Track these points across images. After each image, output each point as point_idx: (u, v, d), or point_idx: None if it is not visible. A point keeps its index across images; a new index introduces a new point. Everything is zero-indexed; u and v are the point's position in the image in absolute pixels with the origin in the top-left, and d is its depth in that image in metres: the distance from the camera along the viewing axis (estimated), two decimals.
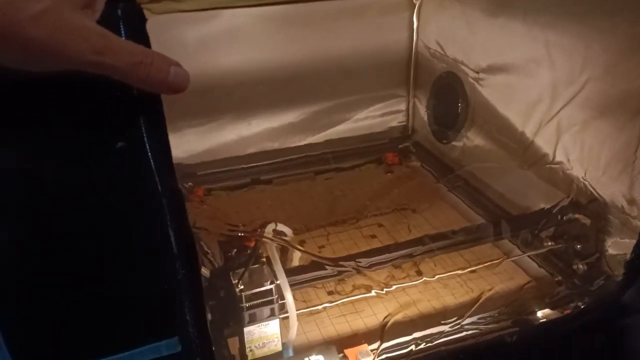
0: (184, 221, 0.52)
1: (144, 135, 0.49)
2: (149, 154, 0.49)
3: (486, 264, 1.04)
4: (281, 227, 0.90)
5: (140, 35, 0.45)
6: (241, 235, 0.82)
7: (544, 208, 1.04)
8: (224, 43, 1.30)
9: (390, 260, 0.90)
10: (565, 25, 0.99)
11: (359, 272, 0.88)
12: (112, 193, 0.49)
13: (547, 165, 1.08)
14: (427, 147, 1.48)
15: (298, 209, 1.30)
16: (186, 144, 1.35)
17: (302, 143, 1.46)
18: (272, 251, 0.83)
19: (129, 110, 0.47)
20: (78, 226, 0.50)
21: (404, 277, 1.05)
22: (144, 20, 0.46)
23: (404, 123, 1.55)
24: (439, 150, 1.44)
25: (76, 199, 0.49)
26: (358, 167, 1.48)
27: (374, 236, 1.20)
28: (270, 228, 0.87)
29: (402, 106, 1.52)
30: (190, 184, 1.30)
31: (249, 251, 0.82)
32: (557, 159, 1.06)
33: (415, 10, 1.41)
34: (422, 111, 1.48)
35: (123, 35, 0.45)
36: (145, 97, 0.47)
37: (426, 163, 1.45)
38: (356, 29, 1.41)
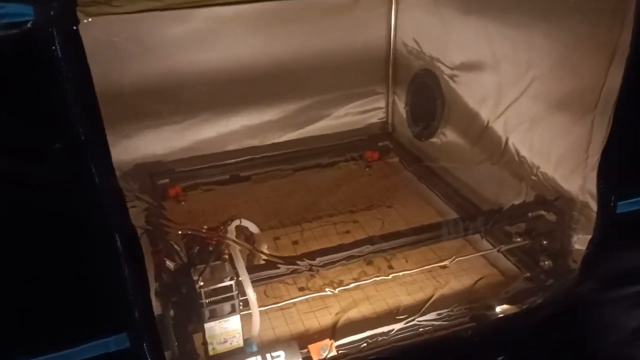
0: (126, 220, 0.53)
1: (81, 136, 0.49)
2: (87, 154, 0.50)
3: (432, 266, 1.05)
4: (246, 223, 0.90)
5: (72, 37, 0.46)
6: (203, 234, 0.83)
7: (502, 208, 1.04)
8: (202, 42, 1.31)
9: (340, 260, 0.90)
10: (533, 24, 1.00)
11: (311, 270, 0.88)
12: (52, 193, 0.50)
13: (516, 160, 1.09)
14: (405, 143, 1.48)
15: (275, 206, 1.31)
16: (164, 141, 1.36)
17: (281, 140, 1.47)
18: (234, 248, 0.84)
19: (66, 111, 0.48)
20: (21, 225, 0.51)
21: (374, 273, 1.05)
22: (76, 22, 0.47)
23: (384, 120, 1.55)
24: (417, 147, 1.44)
25: (17, 199, 0.50)
26: (337, 163, 1.48)
27: (347, 232, 1.20)
28: (234, 224, 0.88)
29: (382, 103, 1.53)
30: (166, 180, 1.30)
31: (211, 248, 0.83)
32: (522, 154, 1.08)
33: (393, 7, 1.41)
34: (402, 108, 1.49)
35: (55, 36, 0.45)
36: (83, 99, 0.47)
37: (405, 160, 1.45)
38: (334, 27, 1.42)
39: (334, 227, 1.22)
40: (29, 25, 0.45)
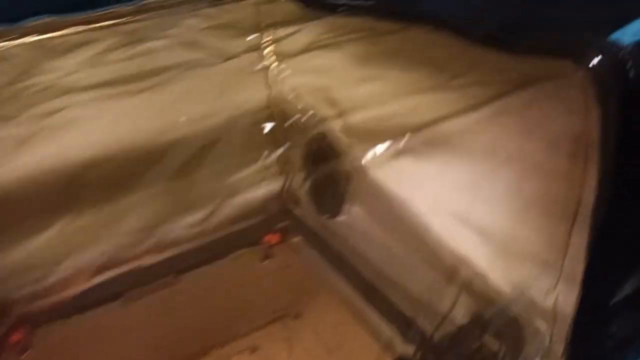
0: None
1: None
2: None
3: None
4: None
5: None
6: None
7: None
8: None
9: None
10: None
11: None
12: None
13: (443, 255, 0.87)
14: (309, 223, 1.24)
15: (155, 334, 1.03)
16: None
17: (156, 241, 1.18)
18: None
19: None
20: None
21: None
22: None
23: (282, 194, 1.30)
24: (323, 226, 1.20)
25: None
26: (232, 255, 1.21)
27: None
28: None
29: (277, 179, 1.27)
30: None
31: None
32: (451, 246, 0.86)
33: (271, 68, 1.16)
34: (300, 181, 1.24)
35: None
36: None
37: (310, 242, 1.21)
38: (205, 90, 1.15)
39: None
40: None
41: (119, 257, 1.05)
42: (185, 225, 1.23)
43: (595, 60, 0.41)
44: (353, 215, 1.11)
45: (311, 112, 1.10)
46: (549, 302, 0.56)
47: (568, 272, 0.52)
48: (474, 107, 0.60)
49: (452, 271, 0.86)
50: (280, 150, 1.24)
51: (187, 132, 1.16)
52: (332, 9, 0.90)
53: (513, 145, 0.59)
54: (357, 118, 0.99)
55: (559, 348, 0.64)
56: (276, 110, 1.19)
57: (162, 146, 1.13)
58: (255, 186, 1.29)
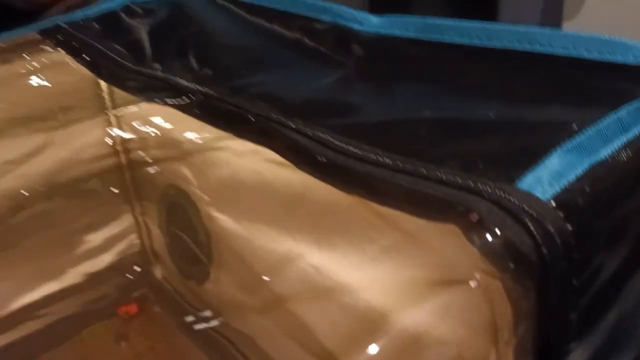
0: None
1: None
2: None
3: None
4: None
5: None
6: None
7: None
8: None
9: None
10: None
11: None
12: None
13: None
14: (174, 289, 1.05)
15: None
16: None
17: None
18: None
19: None
20: None
21: None
22: None
23: (138, 251, 1.11)
24: (191, 293, 1.02)
25: None
26: (75, 338, 1.00)
27: None
28: None
29: (133, 237, 1.08)
30: None
31: None
32: None
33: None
34: (160, 241, 1.06)
35: None
36: None
37: (174, 313, 1.02)
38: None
39: None
40: None
41: None
42: (26, 304, 1.02)
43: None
44: (221, 283, 0.94)
45: (161, 161, 0.93)
46: None
47: None
48: None
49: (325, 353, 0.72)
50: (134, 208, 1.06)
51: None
52: None
53: None
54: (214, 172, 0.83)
55: None
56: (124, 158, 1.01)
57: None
58: (109, 247, 1.10)
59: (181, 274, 1.03)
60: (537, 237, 0.23)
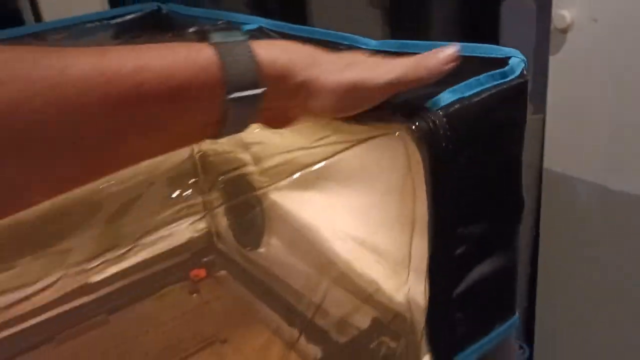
0: None
1: None
2: None
3: None
4: None
5: None
6: None
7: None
8: None
9: None
10: None
11: None
12: None
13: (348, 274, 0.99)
14: (232, 256, 1.34)
15: None
16: None
17: (88, 282, 1.24)
18: None
19: None
20: None
21: None
22: None
23: (206, 231, 1.39)
24: (246, 258, 1.30)
25: None
26: (159, 293, 1.29)
27: None
28: None
29: (200, 212, 1.37)
30: None
31: None
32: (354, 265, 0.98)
33: None
34: (222, 218, 1.35)
35: None
36: None
37: (234, 275, 1.31)
38: None
39: None
40: None
41: (51, 299, 1.11)
42: (114, 266, 1.30)
43: (415, 122, 0.55)
44: (272, 246, 1.22)
45: (229, 155, 1.22)
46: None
47: (417, 270, 0.66)
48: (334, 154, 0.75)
49: (361, 290, 0.98)
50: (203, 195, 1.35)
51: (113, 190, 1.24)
52: None
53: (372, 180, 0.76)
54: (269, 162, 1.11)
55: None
56: (198, 158, 1.30)
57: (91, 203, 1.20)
58: (181, 225, 1.38)
59: (239, 244, 1.31)
60: (431, 124, 0.51)
